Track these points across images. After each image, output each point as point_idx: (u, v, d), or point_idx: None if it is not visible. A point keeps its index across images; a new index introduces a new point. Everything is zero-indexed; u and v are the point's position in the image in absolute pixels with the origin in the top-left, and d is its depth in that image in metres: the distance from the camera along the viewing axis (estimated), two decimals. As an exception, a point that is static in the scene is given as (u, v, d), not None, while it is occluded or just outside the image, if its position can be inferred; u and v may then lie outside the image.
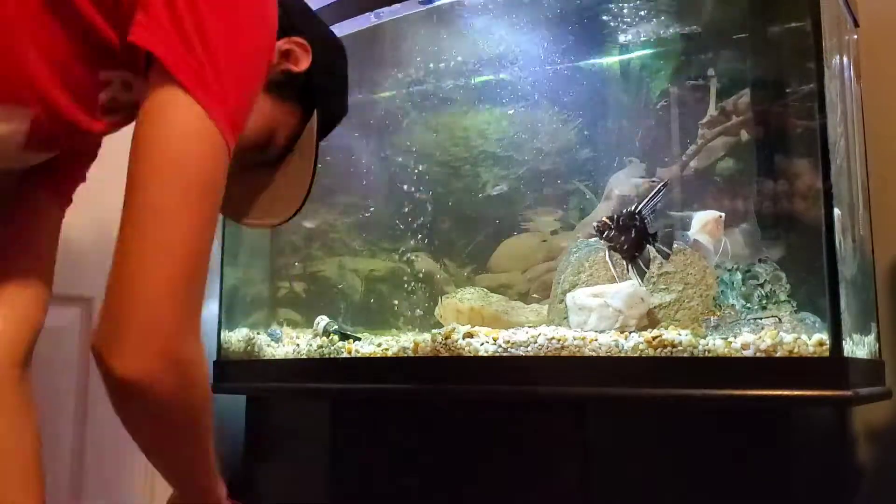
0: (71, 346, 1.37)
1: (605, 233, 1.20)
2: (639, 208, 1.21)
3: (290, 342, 1.53)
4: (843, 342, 0.99)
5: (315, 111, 0.91)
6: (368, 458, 1.34)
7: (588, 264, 1.30)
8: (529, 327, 1.23)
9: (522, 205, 1.63)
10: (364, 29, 1.55)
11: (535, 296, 1.53)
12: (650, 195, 1.23)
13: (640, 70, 1.55)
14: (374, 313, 1.71)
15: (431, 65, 1.70)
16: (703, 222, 1.26)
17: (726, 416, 1.05)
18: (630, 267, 1.20)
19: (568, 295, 1.25)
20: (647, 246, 1.19)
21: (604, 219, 1.21)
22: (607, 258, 1.23)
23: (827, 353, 0.98)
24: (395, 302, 1.70)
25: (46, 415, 1.33)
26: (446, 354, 1.23)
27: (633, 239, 1.19)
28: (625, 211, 1.22)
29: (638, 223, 1.20)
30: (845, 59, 1.30)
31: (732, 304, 1.17)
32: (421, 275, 1.67)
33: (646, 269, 1.20)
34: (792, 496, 1.01)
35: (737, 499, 1.03)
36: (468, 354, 1.21)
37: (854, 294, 1.16)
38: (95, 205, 1.40)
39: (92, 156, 0.97)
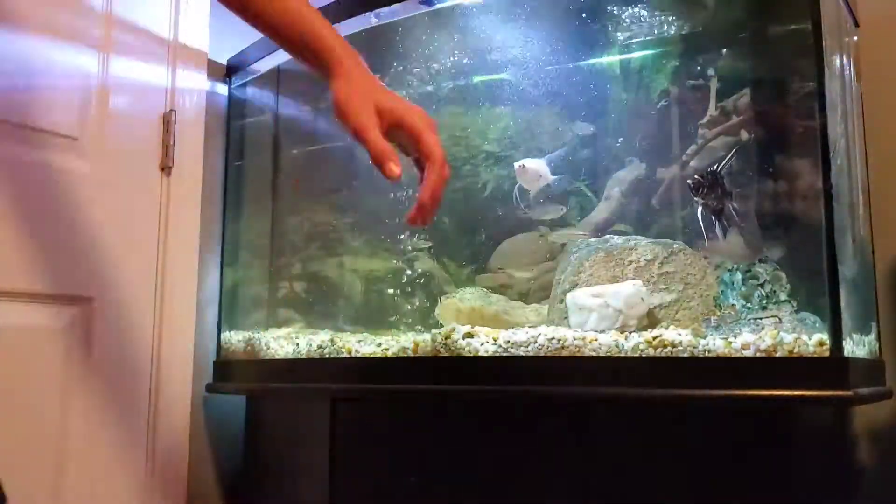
0: (70, 345, 1.37)
1: (700, 189, 1.22)
2: (718, 168, 1.23)
3: (290, 342, 1.53)
4: (844, 342, 0.99)
5: None
6: (368, 458, 1.34)
7: (588, 264, 1.30)
8: (529, 327, 1.23)
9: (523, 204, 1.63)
10: (367, 28, 1.55)
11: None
12: (726, 157, 1.26)
13: (640, 70, 1.55)
14: (374, 313, 1.71)
15: (431, 64, 1.70)
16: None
17: (726, 416, 1.05)
18: (717, 224, 1.22)
19: (568, 295, 1.25)
20: (727, 203, 1.23)
21: (696, 176, 1.23)
22: (699, 215, 1.25)
23: (827, 353, 0.98)
24: (395, 302, 1.70)
25: (45, 415, 1.33)
26: (446, 354, 1.23)
27: (720, 197, 1.22)
28: (708, 170, 1.23)
29: (720, 182, 1.23)
30: (845, 59, 1.30)
31: (732, 304, 1.17)
32: (421, 275, 1.67)
33: (727, 227, 1.23)
34: (792, 496, 1.01)
35: (737, 499, 1.03)
36: (468, 354, 1.21)
37: (854, 294, 1.16)
38: (96, 205, 1.40)
39: None
